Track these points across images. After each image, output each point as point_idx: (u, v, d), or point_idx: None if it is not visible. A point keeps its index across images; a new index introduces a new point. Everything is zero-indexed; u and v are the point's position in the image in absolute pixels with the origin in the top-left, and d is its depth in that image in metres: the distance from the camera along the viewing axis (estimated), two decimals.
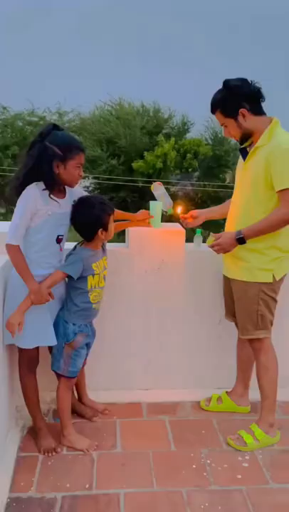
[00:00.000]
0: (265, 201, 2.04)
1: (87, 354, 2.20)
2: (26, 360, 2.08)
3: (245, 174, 2.13)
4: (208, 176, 16.97)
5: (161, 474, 2.00)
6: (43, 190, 1.89)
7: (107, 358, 2.52)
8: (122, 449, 2.14)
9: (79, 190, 2.13)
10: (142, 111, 17.76)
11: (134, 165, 15.71)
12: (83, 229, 2.04)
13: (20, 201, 1.89)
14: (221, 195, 16.69)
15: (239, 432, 2.23)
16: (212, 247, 2.15)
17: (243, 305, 2.19)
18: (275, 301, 2.20)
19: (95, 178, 16.72)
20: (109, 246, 2.53)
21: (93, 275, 2.05)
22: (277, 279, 2.13)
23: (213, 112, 2.10)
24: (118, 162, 16.07)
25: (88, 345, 2.18)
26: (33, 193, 1.88)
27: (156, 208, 2.44)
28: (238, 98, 2.01)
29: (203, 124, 17.53)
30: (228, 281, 2.30)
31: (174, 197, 17.28)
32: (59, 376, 2.12)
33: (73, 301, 2.07)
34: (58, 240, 2.01)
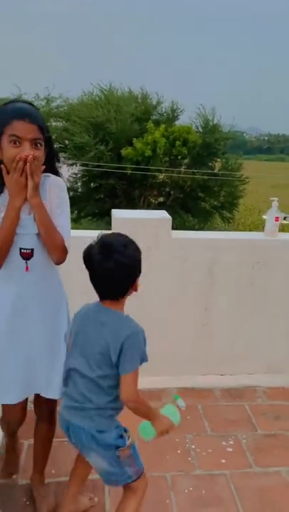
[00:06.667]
0: None
1: None
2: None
3: None
4: (197, 163, 16.91)
5: (146, 459, 1.98)
6: None
7: None
8: None
9: (56, 182, 1.53)
10: (130, 97, 17.56)
11: (123, 152, 15.57)
12: (120, 279, 1.39)
13: None
14: (210, 184, 16.66)
15: None
16: None
17: None
18: None
19: (83, 165, 16.58)
20: (92, 233, 2.50)
21: None
22: None
23: None
24: (106, 148, 15.91)
25: None
26: None
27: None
28: None
29: (194, 110, 17.40)
30: None
31: (163, 184, 17.24)
32: (128, 485, 1.54)
33: (112, 402, 1.43)
34: (24, 255, 1.46)
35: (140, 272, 1.43)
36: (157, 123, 16.46)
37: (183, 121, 17.99)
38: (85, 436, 1.44)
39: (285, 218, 2.73)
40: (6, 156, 1.37)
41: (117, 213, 2.48)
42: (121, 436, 1.47)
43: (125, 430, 1.49)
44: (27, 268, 1.46)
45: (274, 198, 2.63)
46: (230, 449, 2.12)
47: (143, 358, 1.40)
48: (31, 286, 1.49)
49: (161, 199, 17.57)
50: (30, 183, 1.37)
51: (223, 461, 2.04)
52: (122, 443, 1.46)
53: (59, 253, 1.49)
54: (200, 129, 17.56)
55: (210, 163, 17.31)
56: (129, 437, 1.49)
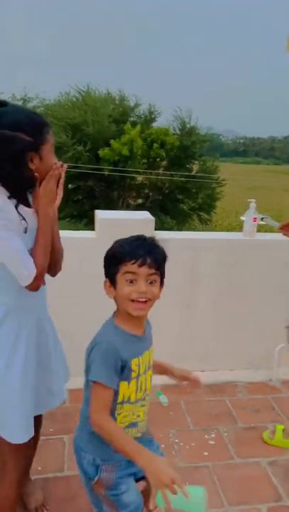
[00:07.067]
0: None
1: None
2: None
3: None
4: (175, 165, 17.08)
5: None
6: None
7: (76, 344, 2.53)
8: None
9: None
10: (108, 98, 17.60)
11: (101, 153, 15.58)
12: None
13: None
14: (188, 186, 16.85)
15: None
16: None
17: None
18: None
19: None
20: (77, 234, 2.54)
21: (129, 380, 1.26)
22: None
23: None
24: (84, 149, 15.89)
25: (136, 475, 1.34)
26: (8, 206, 1.31)
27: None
28: None
29: (171, 113, 17.57)
30: None
31: (141, 186, 17.32)
32: None
33: (87, 419, 1.24)
34: None
35: (106, 276, 1.30)
36: (135, 125, 16.56)
37: (160, 123, 18.14)
38: (74, 446, 1.35)
39: (262, 219, 2.82)
40: (48, 164, 1.35)
41: (101, 214, 2.52)
42: (93, 465, 1.28)
43: (103, 462, 1.27)
44: (44, 281, 1.44)
45: (251, 200, 2.73)
46: (213, 442, 2.19)
47: (97, 375, 1.19)
48: (44, 300, 1.50)
49: (140, 201, 17.65)
50: (61, 192, 1.39)
51: (206, 453, 2.11)
52: (92, 473, 1.28)
53: (61, 263, 1.53)
54: (177, 131, 17.75)
55: (188, 166, 17.51)
56: (102, 472, 1.27)
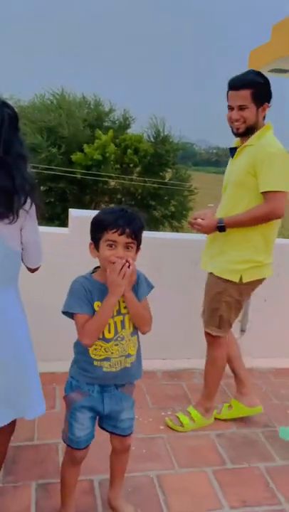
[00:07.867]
0: (247, 199, 2.12)
1: (107, 429, 1.75)
2: None
3: (231, 171, 2.25)
4: (148, 172, 17.42)
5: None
6: None
7: (47, 331, 2.73)
8: (60, 409, 2.40)
9: None
10: (83, 102, 17.78)
11: (74, 157, 15.73)
12: None
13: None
14: (161, 193, 17.23)
15: (177, 413, 2.42)
16: (193, 224, 2.26)
17: (208, 300, 2.31)
18: (241, 304, 2.30)
19: (34, 167, 16.48)
20: (49, 229, 2.72)
21: None
22: (245, 281, 2.19)
23: (241, 87, 2.03)
24: (59, 152, 15.99)
25: (94, 411, 1.63)
26: None
27: None
28: (269, 92, 2.09)
29: (147, 121, 17.93)
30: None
31: (114, 191, 17.52)
32: None
33: (75, 346, 1.63)
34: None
35: (92, 239, 1.55)
36: (109, 130, 16.79)
37: (135, 130, 18.48)
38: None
39: None
40: None
41: (74, 212, 2.75)
42: (71, 389, 1.61)
43: (76, 387, 1.60)
44: None
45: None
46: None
47: (63, 306, 1.56)
48: None
49: (112, 205, 17.90)
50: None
51: (162, 427, 2.37)
52: (66, 391, 1.63)
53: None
54: (152, 139, 18.09)
55: (161, 173, 17.88)
56: (71, 392, 1.60)
